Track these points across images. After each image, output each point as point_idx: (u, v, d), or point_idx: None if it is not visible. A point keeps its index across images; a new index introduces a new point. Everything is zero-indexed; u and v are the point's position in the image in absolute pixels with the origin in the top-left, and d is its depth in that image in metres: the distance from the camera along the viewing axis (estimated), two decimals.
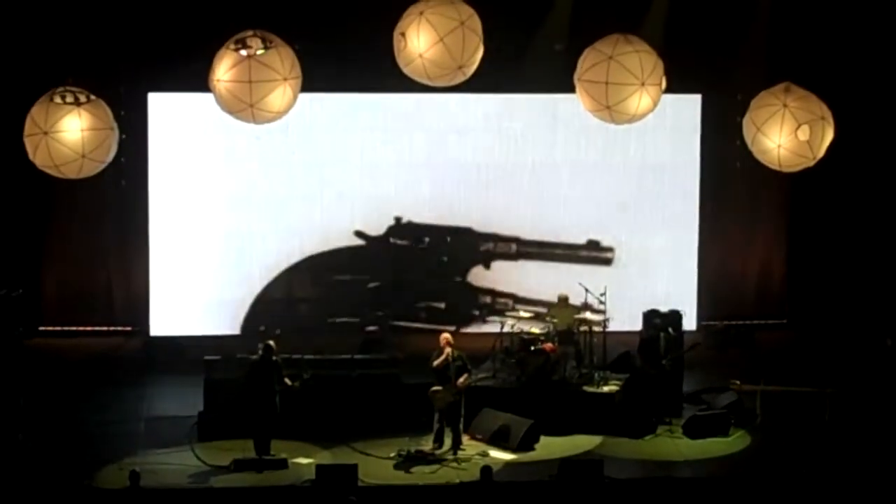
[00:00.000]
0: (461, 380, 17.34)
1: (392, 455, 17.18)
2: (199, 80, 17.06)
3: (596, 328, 19.32)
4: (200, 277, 22.48)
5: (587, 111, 17.18)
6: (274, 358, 17.11)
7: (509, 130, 22.87)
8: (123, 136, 17.68)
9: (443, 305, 23.04)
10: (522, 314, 19.92)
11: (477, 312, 22.93)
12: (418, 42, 16.39)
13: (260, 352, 17.21)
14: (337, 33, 21.38)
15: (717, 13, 22.37)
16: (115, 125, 17.05)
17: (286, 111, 16.72)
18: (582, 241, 23.03)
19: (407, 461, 17.02)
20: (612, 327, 19.62)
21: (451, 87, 17.25)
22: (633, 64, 16.47)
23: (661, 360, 18.65)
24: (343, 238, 22.80)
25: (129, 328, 22.80)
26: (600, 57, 16.62)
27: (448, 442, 17.36)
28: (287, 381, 17.11)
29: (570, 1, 22.10)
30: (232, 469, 16.65)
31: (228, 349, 18.92)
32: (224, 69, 16.29)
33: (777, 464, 16.98)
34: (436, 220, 22.95)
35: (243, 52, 16.17)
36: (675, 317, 19.39)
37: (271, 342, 17.24)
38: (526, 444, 17.60)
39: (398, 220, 22.78)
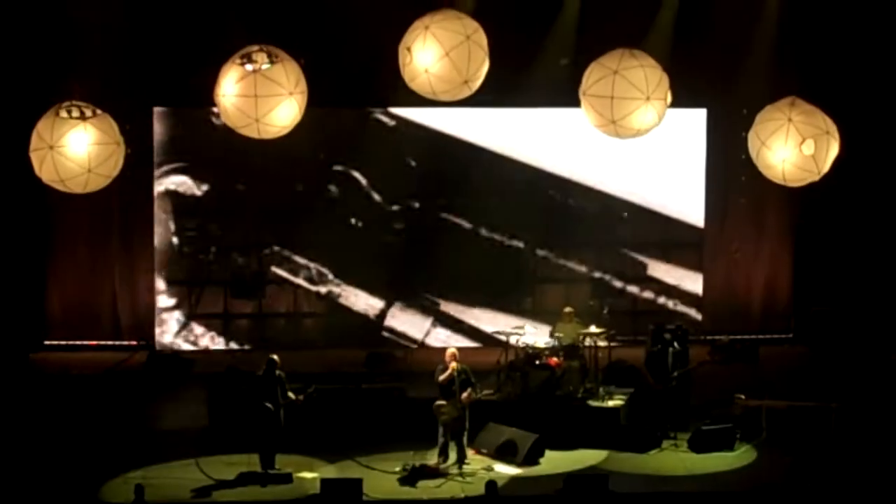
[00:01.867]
0: (465, 395, 17.33)
1: (397, 469, 17.16)
2: (204, 95, 17.08)
3: (601, 343, 19.31)
4: (205, 291, 22.47)
5: (592, 126, 17.19)
6: (278, 372, 17.11)
7: (514, 144, 22.88)
8: (129, 151, 17.69)
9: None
10: (528, 328, 19.87)
11: None
12: (424, 56, 16.41)
13: (264, 366, 17.21)
14: (342, 48, 21.41)
15: (723, 27, 22.39)
16: (120, 140, 17.06)
17: (291, 126, 16.75)
18: (584, 251, 23.05)
19: (412, 475, 17.00)
20: (617, 342, 19.61)
21: (457, 101, 17.27)
22: (638, 78, 16.48)
23: (667, 374, 18.62)
24: None
25: (134, 342, 22.81)
26: (605, 71, 16.62)
27: (453, 456, 17.34)
28: (291, 395, 17.11)
29: (576, 15, 22.13)
30: (237, 483, 16.65)
31: (233, 363, 18.90)
32: (229, 84, 16.31)
33: (782, 478, 16.96)
34: None
35: (249, 67, 16.18)
36: (680, 332, 19.36)
37: (275, 356, 17.24)
38: (531, 458, 17.57)
39: None
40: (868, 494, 16.23)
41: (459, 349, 17.91)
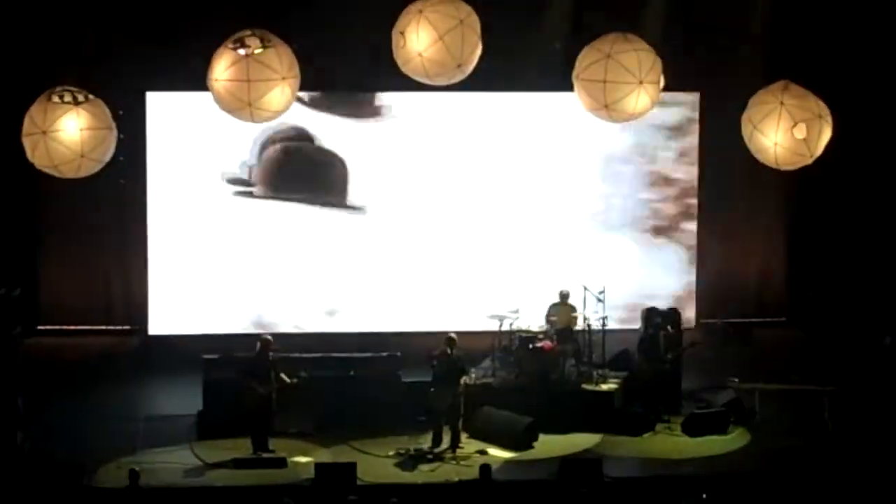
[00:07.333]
0: (462, 380, 17.36)
1: (391, 453, 17.19)
2: (197, 79, 17.05)
3: (595, 326, 19.32)
4: (199, 276, 22.46)
5: (585, 110, 17.16)
6: (271, 355, 17.11)
7: (506, 128, 22.84)
8: (121, 136, 17.65)
9: None
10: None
11: None
12: (417, 40, 16.38)
13: (257, 347, 17.21)
14: (335, 32, 21.36)
15: (717, 11, 22.36)
16: (113, 124, 17.02)
17: (284, 110, 16.71)
18: (581, 237, 23.03)
19: (406, 460, 17.03)
20: (610, 325, 19.62)
21: (449, 85, 17.25)
22: (631, 62, 16.43)
23: (659, 357, 18.64)
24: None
25: (127, 327, 22.78)
26: (598, 55, 16.58)
27: (447, 440, 17.36)
28: (284, 377, 17.11)
29: None
30: (231, 467, 16.66)
31: (227, 348, 18.91)
32: (222, 68, 16.26)
33: (775, 461, 17.00)
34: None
35: (241, 52, 16.15)
36: (674, 315, 19.37)
37: (269, 337, 17.24)
38: (525, 442, 17.60)
39: None
40: (861, 477, 16.27)
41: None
